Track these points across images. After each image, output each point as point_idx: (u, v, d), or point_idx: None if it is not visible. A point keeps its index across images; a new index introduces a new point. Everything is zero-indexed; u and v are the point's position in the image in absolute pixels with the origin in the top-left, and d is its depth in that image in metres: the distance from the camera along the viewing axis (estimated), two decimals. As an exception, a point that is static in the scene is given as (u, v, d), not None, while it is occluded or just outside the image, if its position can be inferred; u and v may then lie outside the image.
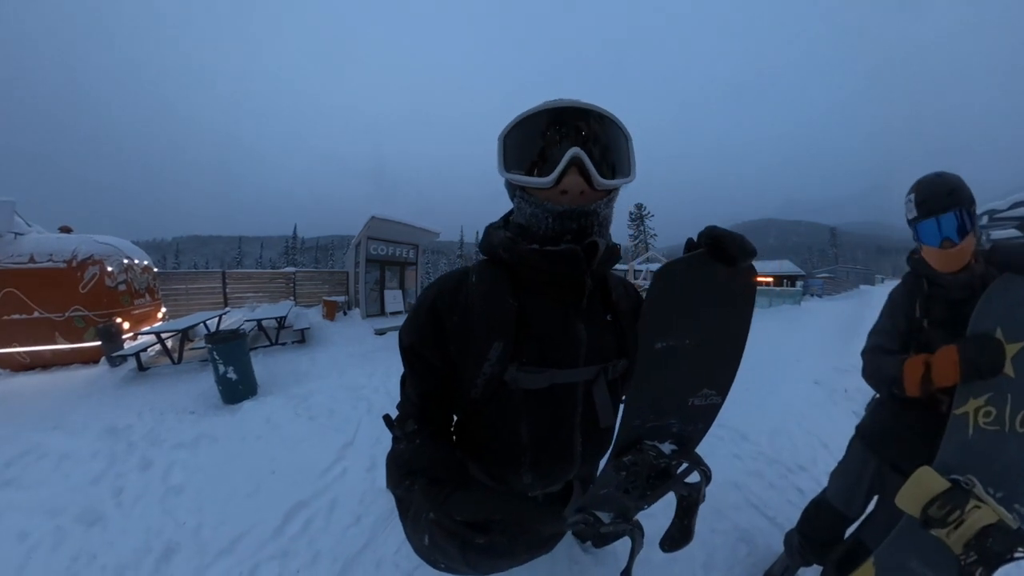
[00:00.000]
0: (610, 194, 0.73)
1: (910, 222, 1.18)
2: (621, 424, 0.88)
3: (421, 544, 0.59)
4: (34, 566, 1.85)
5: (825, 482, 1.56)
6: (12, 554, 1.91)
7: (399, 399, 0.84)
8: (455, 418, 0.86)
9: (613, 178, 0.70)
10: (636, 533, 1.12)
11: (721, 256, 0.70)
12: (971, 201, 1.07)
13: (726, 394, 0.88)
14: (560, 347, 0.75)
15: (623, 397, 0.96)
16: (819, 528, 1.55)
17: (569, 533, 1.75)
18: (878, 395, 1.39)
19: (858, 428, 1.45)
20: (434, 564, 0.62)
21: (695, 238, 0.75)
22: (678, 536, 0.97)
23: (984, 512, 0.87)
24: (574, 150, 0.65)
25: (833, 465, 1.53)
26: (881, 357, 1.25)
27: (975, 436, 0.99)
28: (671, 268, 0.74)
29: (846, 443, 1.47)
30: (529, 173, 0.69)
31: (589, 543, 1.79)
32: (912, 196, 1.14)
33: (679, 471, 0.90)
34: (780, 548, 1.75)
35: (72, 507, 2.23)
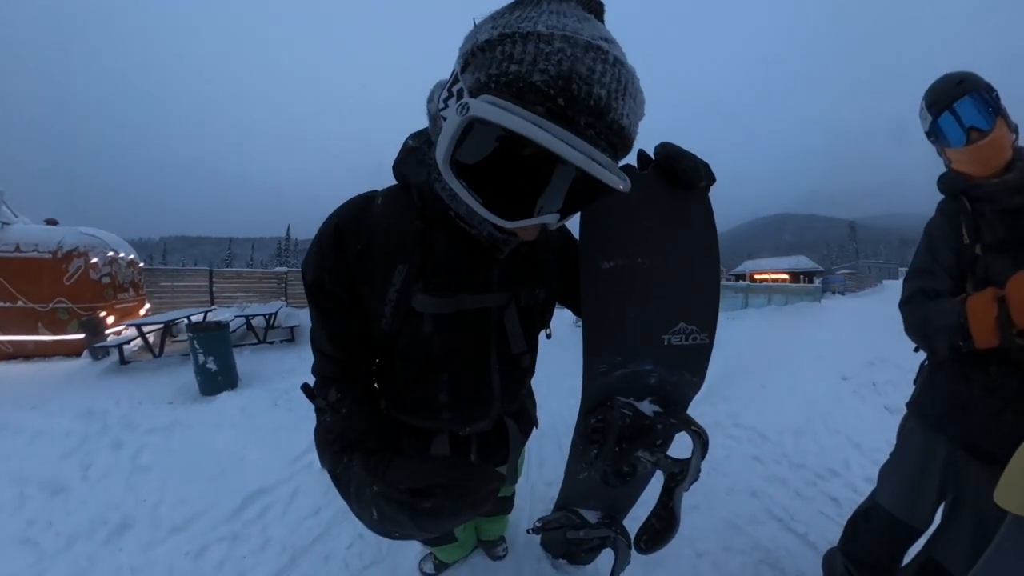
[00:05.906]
0: None
1: (929, 135, 1.02)
2: (585, 373, 0.77)
3: (371, 519, 0.58)
4: (-12, 526, 1.86)
5: (863, 488, 1.24)
6: (-32, 513, 1.93)
7: (313, 361, 0.76)
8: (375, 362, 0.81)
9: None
10: (620, 542, 0.91)
11: (675, 180, 0.65)
12: (988, 87, 0.91)
13: (711, 333, 0.76)
14: (470, 274, 0.71)
15: (546, 331, 0.91)
16: (872, 545, 1.19)
17: (540, 547, 1.55)
18: (928, 359, 1.11)
19: (910, 405, 1.15)
20: (389, 535, 0.61)
21: (646, 152, 0.68)
22: (660, 526, 0.76)
23: None
24: (552, 217, 0.51)
25: (870, 468, 1.23)
26: (928, 304, 0.98)
27: None
28: None
29: (880, 442, 1.17)
30: (478, 190, 0.50)
31: (563, 560, 1.54)
32: (922, 104, 1.00)
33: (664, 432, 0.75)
34: (817, 574, 1.45)
35: (38, 477, 2.25)
